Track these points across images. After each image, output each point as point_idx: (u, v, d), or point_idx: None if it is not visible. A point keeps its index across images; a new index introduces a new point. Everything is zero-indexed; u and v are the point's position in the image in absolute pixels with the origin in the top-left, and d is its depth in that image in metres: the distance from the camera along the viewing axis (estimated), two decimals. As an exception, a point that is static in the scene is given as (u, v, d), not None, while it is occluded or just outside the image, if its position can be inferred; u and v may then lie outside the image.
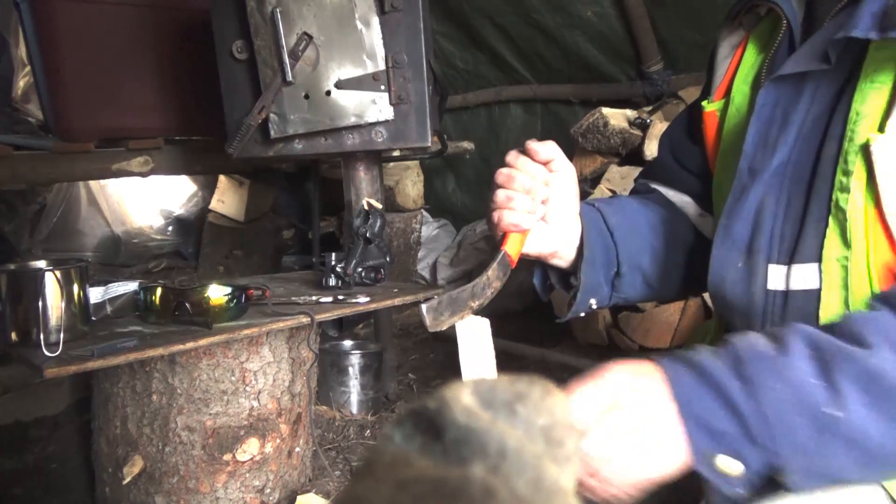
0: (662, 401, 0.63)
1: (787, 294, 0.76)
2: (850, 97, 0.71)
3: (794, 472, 0.62)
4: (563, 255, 0.88)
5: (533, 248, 0.84)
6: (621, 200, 1.01)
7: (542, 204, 0.82)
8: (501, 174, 0.81)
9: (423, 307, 0.70)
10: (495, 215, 0.80)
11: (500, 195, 0.80)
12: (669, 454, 0.63)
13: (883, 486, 0.74)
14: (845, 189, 0.70)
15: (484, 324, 0.73)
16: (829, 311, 0.72)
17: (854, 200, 0.69)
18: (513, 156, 0.82)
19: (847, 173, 0.70)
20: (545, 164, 0.82)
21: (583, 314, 0.92)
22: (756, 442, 0.61)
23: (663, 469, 0.63)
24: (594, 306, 0.92)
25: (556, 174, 0.83)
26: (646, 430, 0.62)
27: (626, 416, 0.62)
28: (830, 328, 0.65)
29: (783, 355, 0.62)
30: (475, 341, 0.71)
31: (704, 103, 0.93)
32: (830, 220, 0.71)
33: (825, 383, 0.60)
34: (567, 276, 0.92)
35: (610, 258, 0.91)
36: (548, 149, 0.82)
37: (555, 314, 0.97)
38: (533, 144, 0.81)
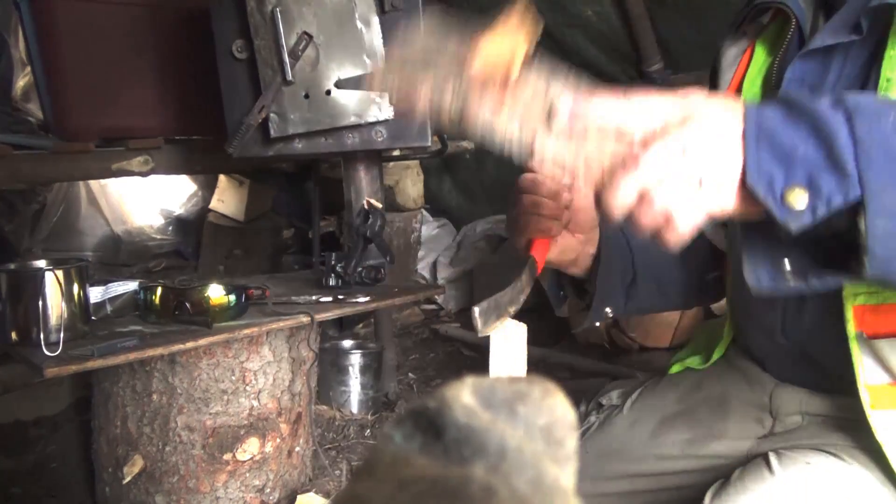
0: (732, 122, 0.53)
1: None
2: (878, 67, 0.71)
3: (877, 213, 0.51)
4: (581, 264, 0.87)
5: (555, 255, 0.83)
6: None
7: (565, 210, 0.81)
8: (526, 179, 0.79)
9: (476, 310, 0.68)
10: (522, 220, 0.79)
11: (527, 200, 0.78)
12: (729, 178, 0.53)
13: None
14: None
15: (521, 329, 0.71)
16: (854, 287, 0.72)
17: None
18: None
19: None
20: None
21: (598, 324, 0.91)
22: (842, 168, 0.51)
23: (720, 197, 0.54)
24: (609, 314, 0.91)
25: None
26: (708, 151, 0.53)
27: (690, 133, 0.53)
28: None
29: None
30: (510, 347, 0.69)
31: None
32: None
33: None
34: (582, 285, 0.92)
35: (626, 265, 0.91)
36: None
37: (556, 316, 0.96)
38: None
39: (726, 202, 0.54)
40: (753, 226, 0.56)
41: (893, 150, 0.51)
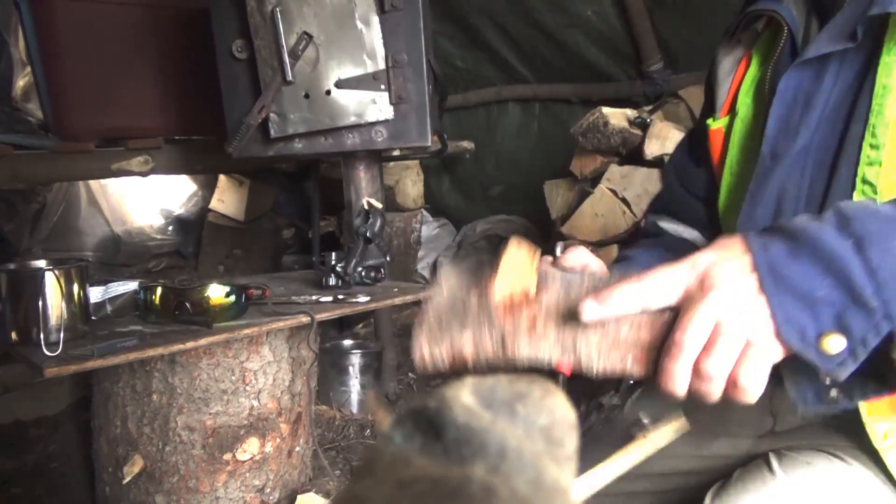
0: (746, 274, 0.55)
1: None
2: (874, 74, 0.71)
3: None
4: None
5: None
6: (638, 259, 0.97)
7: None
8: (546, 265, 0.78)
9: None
10: None
11: None
12: (769, 330, 0.54)
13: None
14: (874, 163, 0.70)
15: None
16: None
17: (887, 172, 0.69)
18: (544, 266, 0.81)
19: (875, 147, 0.70)
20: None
21: None
22: (865, 305, 0.51)
23: (772, 349, 0.54)
24: None
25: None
26: (738, 311, 0.54)
27: (714, 300, 0.54)
28: None
29: None
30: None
31: (710, 121, 0.93)
32: (855, 196, 0.71)
33: None
34: None
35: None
36: (578, 257, 0.80)
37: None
38: (566, 259, 0.79)
39: (777, 353, 0.55)
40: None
41: None
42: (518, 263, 0.64)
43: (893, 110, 0.69)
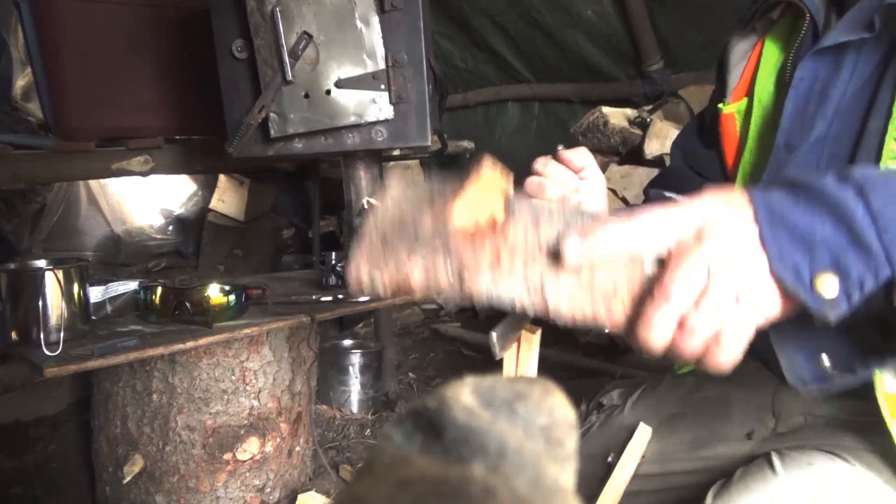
0: (745, 220, 0.51)
1: None
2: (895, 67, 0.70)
3: None
4: None
5: None
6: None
7: None
8: (532, 183, 0.78)
9: (493, 336, 0.64)
10: None
11: None
12: (764, 284, 0.50)
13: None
14: None
15: (535, 335, 0.68)
16: None
17: None
18: (542, 163, 0.80)
19: None
20: (576, 171, 0.80)
21: (607, 330, 0.90)
22: (866, 248, 0.48)
23: (762, 307, 0.51)
24: None
25: (586, 182, 0.81)
26: (734, 263, 0.50)
27: (710, 249, 0.50)
28: None
29: None
30: (524, 351, 0.67)
31: (721, 105, 0.92)
32: None
33: None
34: None
35: None
36: (580, 156, 0.80)
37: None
38: (565, 153, 0.79)
39: (770, 310, 0.51)
40: (783, 325, 0.53)
41: None
42: (488, 186, 0.55)
43: None
